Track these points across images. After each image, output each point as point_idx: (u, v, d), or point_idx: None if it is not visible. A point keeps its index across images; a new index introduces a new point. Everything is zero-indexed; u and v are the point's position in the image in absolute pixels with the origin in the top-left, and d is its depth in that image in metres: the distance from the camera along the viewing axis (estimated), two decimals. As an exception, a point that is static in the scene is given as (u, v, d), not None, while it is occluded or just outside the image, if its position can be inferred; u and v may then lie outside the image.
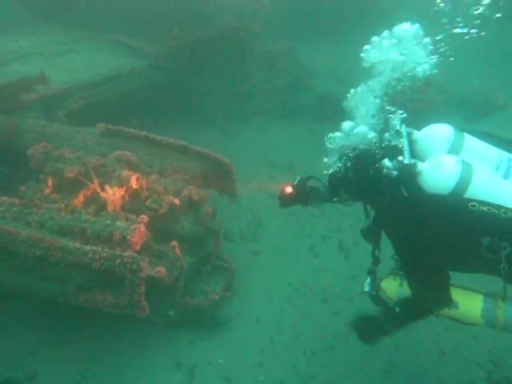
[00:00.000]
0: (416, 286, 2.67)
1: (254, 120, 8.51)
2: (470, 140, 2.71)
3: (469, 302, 2.67)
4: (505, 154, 2.68)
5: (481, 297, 2.67)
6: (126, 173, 4.38)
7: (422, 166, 2.58)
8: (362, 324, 2.97)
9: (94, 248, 3.63)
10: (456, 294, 2.66)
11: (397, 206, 2.62)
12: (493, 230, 2.42)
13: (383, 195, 2.70)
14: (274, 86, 8.99)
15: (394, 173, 2.61)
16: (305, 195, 3.22)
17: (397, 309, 2.74)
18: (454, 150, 2.66)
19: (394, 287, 2.94)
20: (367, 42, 3.19)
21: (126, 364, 4.18)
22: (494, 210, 2.41)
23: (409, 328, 4.29)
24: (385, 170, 2.64)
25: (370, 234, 2.99)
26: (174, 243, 4.16)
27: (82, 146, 5.03)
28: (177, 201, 4.43)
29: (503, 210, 2.42)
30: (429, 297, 2.61)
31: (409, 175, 2.60)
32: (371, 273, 3.05)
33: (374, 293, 2.98)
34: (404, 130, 2.75)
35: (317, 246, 5.67)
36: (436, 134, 2.75)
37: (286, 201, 3.27)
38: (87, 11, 8.32)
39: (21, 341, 4.30)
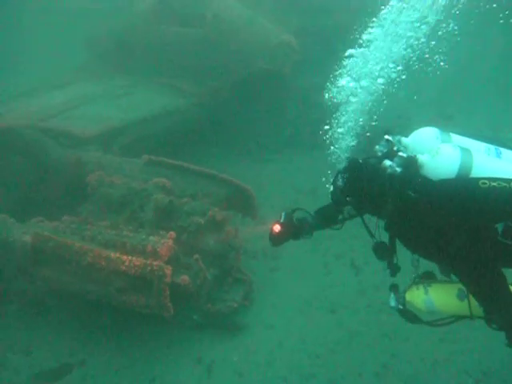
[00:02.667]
0: (483, 292, 2.38)
1: (284, 151, 9.06)
2: (456, 136, 2.70)
3: None
4: (491, 146, 2.65)
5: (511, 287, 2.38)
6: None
7: (422, 158, 2.52)
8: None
9: (130, 258, 4.28)
10: None
11: (407, 209, 2.46)
12: (503, 209, 2.29)
13: (389, 201, 2.54)
14: (306, 120, 9.52)
15: (398, 169, 2.51)
16: (293, 229, 3.08)
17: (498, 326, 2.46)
18: None
19: (419, 297, 2.64)
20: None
21: (156, 358, 4.75)
22: (504, 184, 2.30)
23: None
24: (388, 170, 2.53)
25: (383, 248, 2.76)
26: (197, 256, 4.74)
27: (129, 173, 5.81)
28: (202, 221, 5.04)
29: None
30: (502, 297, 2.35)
31: (412, 170, 2.51)
32: (393, 287, 2.80)
33: (401, 307, 2.71)
34: (392, 137, 2.74)
35: (330, 264, 6.04)
36: (424, 135, 2.73)
37: (277, 239, 3.09)
38: (143, 59, 9.35)
39: (74, 335, 5.01)
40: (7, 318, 5.20)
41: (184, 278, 4.52)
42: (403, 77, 3.86)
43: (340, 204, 2.83)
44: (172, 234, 4.58)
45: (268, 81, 8.88)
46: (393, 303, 2.73)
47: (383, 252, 2.77)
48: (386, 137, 2.72)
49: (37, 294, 5.21)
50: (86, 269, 4.41)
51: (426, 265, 2.69)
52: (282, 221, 3.05)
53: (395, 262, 2.77)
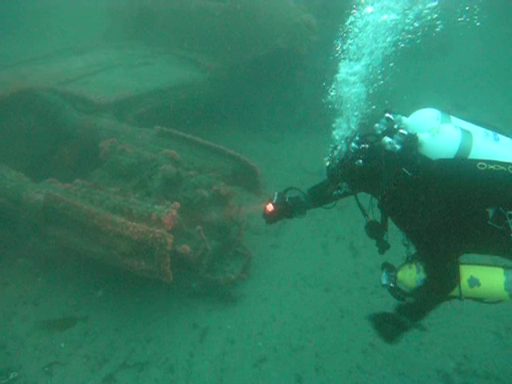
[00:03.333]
0: (432, 269, 2.50)
1: (296, 131, 9.06)
2: (455, 119, 2.71)
3: (489, 277, 2.43)
4: (490, 131, 2.66)
5: (500, 270, 2.44)
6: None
7: (422, 137, 2.51)
8: (382, 326, 2.74)
9: (135, 224, 4.42)
10: (475, 271, 2.46)
11: (402, 187, 2.48)
12: (496, 193, 2.31)
13: (386, 178, 2.55)
14: (319, 101, 9.45)
15: (398, 147, 2.51)
16: (286, 209, 3.14)
17: (411, 300, 2.62)
18: None
19: (411, 275, 2.64)
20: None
21: (154, 320, 4.96)
22: (502, 167, 2.32)
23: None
24: (387, 146, 2.52)
25: (374, 226, 2.81)
26: (199, 227, 4.87)
27: (140, 143, 5.91)
28: (207, 194, 5.15)
29: (510, 167, 2.33)
30: (442, 280, 2.48)
31: (411, 148, 2.51)
32: (386, 265, 2.82)
33: (392, 285, 2.72)
34: (393, 116, 2.73)
35: (330, 245, 6.14)
36: (424, 116, 2.72)
37: (270, 218, 3.18)
38: (164, 30, 9.33)
39: (79, 292, 5.24)
40: (18, 271, 5.45)
41: (185, 247, 4.66)
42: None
43: (335, 179, 2.84)
44: (176, 204, 4.69)
45: (285, 60, 8.82)
46: (384, 281, 2.75)
47: (374, 230, 2.82)
48: (387, 115, 2.71)
49: (46, 251, 5.43)
50: (92, 231, 4.57)
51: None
52: (274, 201, 3.11)
53: (385, 240, 2.84)
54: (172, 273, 4.53)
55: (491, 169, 2.32)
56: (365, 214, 2.87)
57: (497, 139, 2.60)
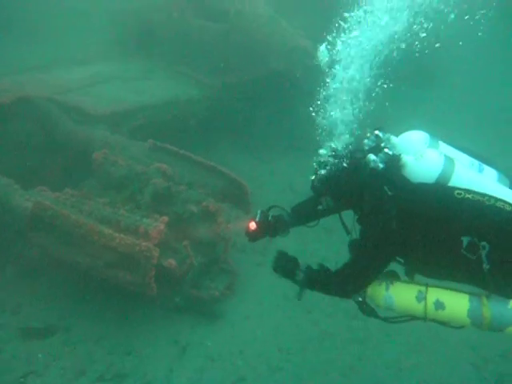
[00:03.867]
0: (351, 265, 2.62)
1: (288, 152, 9.15)
2: (443, 145, 2.74)
3: (454, 302, 2.47)
4: (475, 161, 2.71)
5: (466, 296, 2.47)
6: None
7: (406, 159, 2.56)
8: (283, 260, 2.94)
9: (122, 236, 4.43)
10: (441, 295, 2.50)
11: (380, 205, 2.50)
12: (470, 223, 2.34)
13: (367, 195, 2.58)
14: (312, 124, 9.58)
15: (381, 165, 2.55)
16: (269, 227, 3.11)
17: (319, 273, 2.76)
18: None
19: (379, 292, 2.65)
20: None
21: (135, 333, 4.91)
22: (478, 198, 2.36)
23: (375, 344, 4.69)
24: (371, 164, 2.56)
25: (356, 244, 2.78)
26: (186, 242, 4.89)
27: (133, 156, 5.94)
28: (195, 209, 5.17)
29: (487, 198, 2.37)
30: (350, 279, 2.60)
31: (394, 168, 2.55)
32: None
33: (360, 299, 2.72)
34: (382, 134, 2.74)
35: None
36: (413, 138, 2.75)
37: (252, 237, 3.15)
38: (165, 46, 9.46)
39: (61, 301, 5.18)
40: (3, 278, 5.38)
41: (170, 262, 4.67)
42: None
43: (319, 193, 2.82)
44: (164, 218, 4.71)
45: (280, 82, 8.97)
46: None
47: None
48: (376, 132, 2.75)
49: (31, 260, 5.39)
50: (79, 240, 4.57)
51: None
52: (257, 219, 3.08)
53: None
54: (156, 286, 4.53)
55: (468, 198, 2.36)
56: (348, 232, 2.90)
57: (481, 170, 2.65)
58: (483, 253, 2.29)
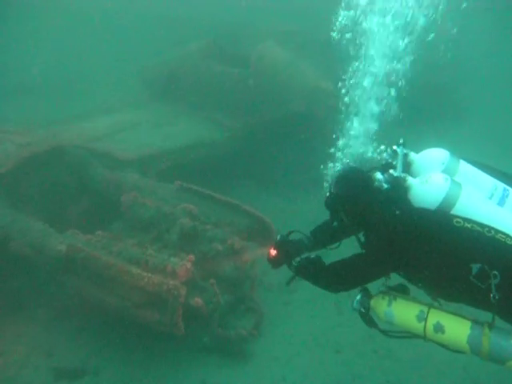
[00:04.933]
0: (346, 265, 2.61)
1: (311, 190, 9.23)
2: (464, 166, 2.65)
3: (455, 328, 2.42)
4: (500, 184, 2.57)
5: (469, 323, 2.41)
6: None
7: (412, 181, 2.52)
8: (286, 245, 2.95)
9: (150, 275, 4.55)
10: (443, 318, 2.46)
11: (388, 223, 2.47)
12: (479, 251, 2.30)
13: (375, 213, 2.55)
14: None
15: (385, 185, 2.54)
16: (289, 253, 3.01)
17: (313, 263, 2.74)
18: (447, 173, 2.56)
19: (382, 306, 2.65)
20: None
21: (163, 375, 4.92)
22: (477, 228, 2.31)
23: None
24: (376, 183, 2.57)
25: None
26: (212, 281, 4.95)
27: (161, 197, 6.16)
28: (221, 247, 5.27)
29: (487, 229, 2.32)
30: (341, 278, 2.62)
31: (399, 190, 2.53)
32: (364, 290, 2.79)
33: (363, 310, 2.72)
34: (400, 150, 2.71)
35: (343, 304, 6.07)
36: (431, 156, 2.70)
37: (275, 263, 3.05)
38: (188, 92, 9.93)
39: (92, 343, 5.26)
40: (33, 321, 5.53)
41: (198, 300, 4.73)
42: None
43: (332, 210, 2.81)
44: (191, 257, 4.82)
45: (301, 121, 9.22)
46: (355, 305, 2.76)
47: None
48: (394, 147, 2.73)
49: (63, 301, 5.55)
50: (108, 281, 4.71)
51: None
52: (276, 246, 3.02)
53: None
54: (184, 326, 4.58)
55: (466, 227, 2.33)
56: (363, 249, 2.77)
57: (502, 203, 2.49)
58: (493, 282, 2.24)
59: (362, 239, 2.73)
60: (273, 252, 3.03)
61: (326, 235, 3.08)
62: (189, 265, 4.73)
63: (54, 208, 5.92)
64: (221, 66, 9.74)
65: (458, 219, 2.36)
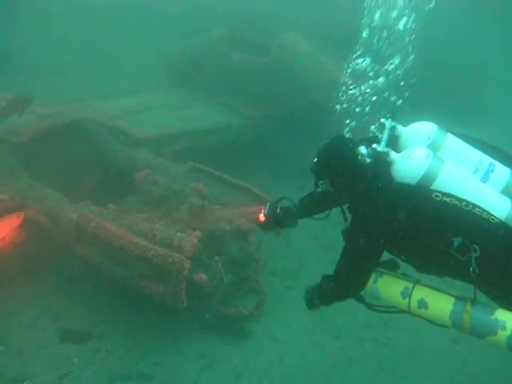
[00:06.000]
0: (344, 264, 2.58)
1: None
2: (451, 140, 2.62)
3: (438, 304, 2.46)
4: (487, 158, 2.55)
5: (452, 300, 2.44)
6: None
7: (394, 156, 2.53)
8: (309, 292, 2.96)
9: (156, 247, 4.69)
10: (427, 295, 2.51)
11: (371, 195, 2.50)
12: (459, 225, 2.33)
13: (359, 184, 2.56)
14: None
15: (367, 160, 2.53)
16: (277, 220, 3.11)
17: (321, 286, 2.75)
18: (433, 147, 2.55)
19: (368, 284, 2.68)
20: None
21: (164, 345, 5.08)
22: (455, 202, 2.34)
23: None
24: (359, 157, 2.56)
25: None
26: (217, 258, 5.08)
27: (172, 176, 6.31)
28: (228, 227, 5.39)
29: (464, 203, 2.34)
30: (347, 278, 2.58)
31: (382, 164, 2.54)
32: None
33: None
34: (388, 123, 2.66)
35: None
36: (417, 130, 2.67)
37: (263, 227, 3.18)
38: (208, 79, 10.05)
39: (98, 310, 5.45)
40: (44, 286, 5.76)
41: (201, 276, 4.86)
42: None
43: (318, 176, 2.81)
44: (198, 232, 4.94)
45: (319, 113, 9.24)
46: None
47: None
48: (382, 120, 2.68)
49: (73, 270, 5.77)
50: (117, 251, 4.87)
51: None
52: (266, 211, 3.10)
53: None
54: (187, 300, 4.71)
55: (445, 201, 2.35)
56: (345, 219, 2.80)
57: (485, 179, 2.50)
58: (473, 256, 2.26)
59: (347, 212, 2.74)
60: (261, 218, 3.12)
61: (312, 204, 3.09)
62: (195, 240, 4.86)
63: (69, 180, 6.12)
64: (241, 53, 9.82)
65: (437, 193, 2.37)
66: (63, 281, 5.78)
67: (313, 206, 3.09)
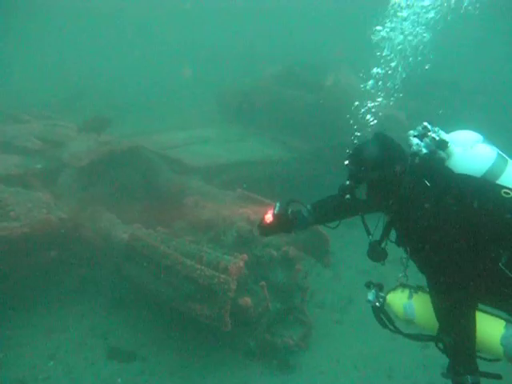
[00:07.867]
0: (441, 309, 2.18)
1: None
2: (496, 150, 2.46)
3: (486, 325, 2.16)
4: None
5: (503, 323, 2.17)
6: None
7: (453, 148, 2.34)
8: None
9: (202, 267, 4.70)
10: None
11: (417, 197, 2.24)
12: None
13: (404, 186, 2.29)
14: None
15: (424, 150, 2.33)
16: (286, 222, 2.82)
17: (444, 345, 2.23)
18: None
19: (401, 300, 2.44)
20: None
21: (207, 372, 4.97)
22: None
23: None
24: (414, 147, 2.35)
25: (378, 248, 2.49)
26: (263, 283, 4.99)
27: (221, 202, 6.40)
28: (275, 253, 5.32)
29: None
30: (453, 324, 2.15)
31: (437, 157, 2.34)
32: (377, 285, 2.57)
33: (378, 304, 2.49)
34: (430, 126, 2.46)
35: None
36: (465, 135, 2.50)
37: (266, 230, 2.85)
38: (260, 115, 10.34)
39: (144, 332, 5.47)
40: (95, 306, 5.88)
41: (246, 300, 4.78)
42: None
43: (357, 180, 2.43)
44: (244, 256, 4.91)
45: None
46: (371, 297, 2.51)
47: (378, 252, 2.50)
48: (425, 123, 2.46)
49: (122, 292, 5.88)
50: (164, 270, 4.93)
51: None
52: (275, 212, 2.81)
53: (383, 246, 2.49)
54: (231, 325, 4.62)
55: None
56: (369, 234, 2.58)
57: None
58: None
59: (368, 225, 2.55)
60: (268, 218, 2.83)
61: (328, 210, 2.82)
62: (241, 263, 4.83)
63: (122, 203, 6.37)
64: (293, 90, 10.07)
65: (507, 190, 2.14)
66: (111, 302, 5.89)
67: (329, 212, 2.83)
